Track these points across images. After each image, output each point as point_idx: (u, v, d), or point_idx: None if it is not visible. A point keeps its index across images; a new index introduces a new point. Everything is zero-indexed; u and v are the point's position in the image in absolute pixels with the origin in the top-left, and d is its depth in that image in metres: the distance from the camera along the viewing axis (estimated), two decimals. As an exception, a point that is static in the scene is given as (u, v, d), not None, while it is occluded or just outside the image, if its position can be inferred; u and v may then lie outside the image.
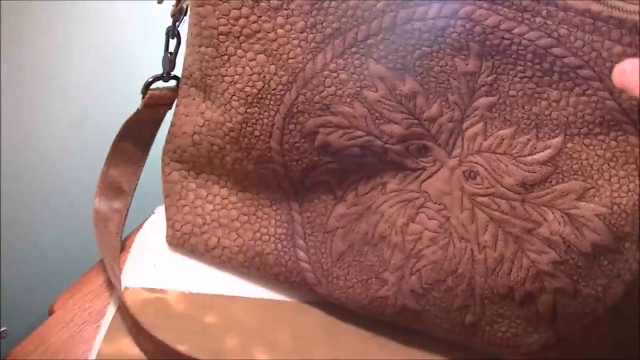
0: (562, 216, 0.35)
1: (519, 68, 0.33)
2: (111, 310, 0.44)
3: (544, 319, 0.38)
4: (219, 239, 0.45)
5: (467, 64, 0.34)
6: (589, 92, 0.33)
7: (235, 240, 0.44)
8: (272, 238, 0.43)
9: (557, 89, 0.33)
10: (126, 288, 0.45)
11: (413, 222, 0.39)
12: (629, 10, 0.30)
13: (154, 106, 0.44)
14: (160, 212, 0.49)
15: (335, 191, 0.40)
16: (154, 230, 0.49)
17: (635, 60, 0.29)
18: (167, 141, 0.44)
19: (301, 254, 0.42)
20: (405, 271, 0.40)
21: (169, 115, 0.45)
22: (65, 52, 0.55)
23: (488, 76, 0.34)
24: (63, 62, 0.55)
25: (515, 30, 0.32)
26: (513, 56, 0.33)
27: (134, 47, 0.58)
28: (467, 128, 0.36)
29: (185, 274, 0.46)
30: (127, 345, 0.42)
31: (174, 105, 0.44)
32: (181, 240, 0.46)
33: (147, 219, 0.50)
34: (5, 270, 0.54)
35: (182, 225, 0.46)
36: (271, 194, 0.42)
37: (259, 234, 0.43)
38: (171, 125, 0.44)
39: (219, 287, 0.45)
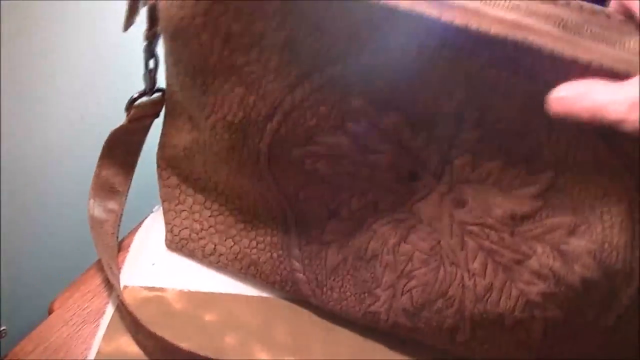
0: (552, 251, 0.34)
1: (506, 105, 0.31)
2: (110, 309, 0.44)
3: (536, 341, 0.38)
4: (215, 245, 0.45)
5: (451, 101, 0.32)
6: (580, 134, 0.31)
7: (231, 247, 0.44)
8: (268, 247, 0.43)
9: (547, 128, 0.32)
10: (125, 287, 0.45)
11: (404, 243, 0.38)
12: (619, 59, 0.27)
13: (140, 118, 0.44)
14: (158, 211, 0.49)
15: (329, 206, 0.39)
16: (152, 230, 0.49)
17: (571, 85, 0.28)
18: (161, 148, 0.44)
19: (296, 265, 0.42)
20: (396, 290, 0.40)
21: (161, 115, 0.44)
22: (64, 52, 0.55)
23: (474, 111, 0.32)
24: (62, 62, 0.55)
25: (501, 75, 0.30)
26: (499, 96, 0.31)
27: (133, 47, 0.58)
28: (455, 157, 0.34)
29: (184, 273, 0.46)
30: (127, 344, 0.42)
31: (163, 114, 0.43)
32: (179, 245, 0.46)
33: (145, 218, 0.50)
34: (4, 269, 0.54)
35: (180, 230, 0.46)
36: (267, 203, 0.41)
37: (255, 242, 0.43)
38: (162, 134, 0.43)
39: (218, 285, 0.46)
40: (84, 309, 0.45)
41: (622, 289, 0.34)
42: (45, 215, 0.58)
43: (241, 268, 0.45)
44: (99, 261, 0.47)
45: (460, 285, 0.37)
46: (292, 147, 0.36)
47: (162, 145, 0.43)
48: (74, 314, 0.44)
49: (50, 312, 0.45)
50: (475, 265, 0.37)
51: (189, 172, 0.44)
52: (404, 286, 0.39)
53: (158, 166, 0.45)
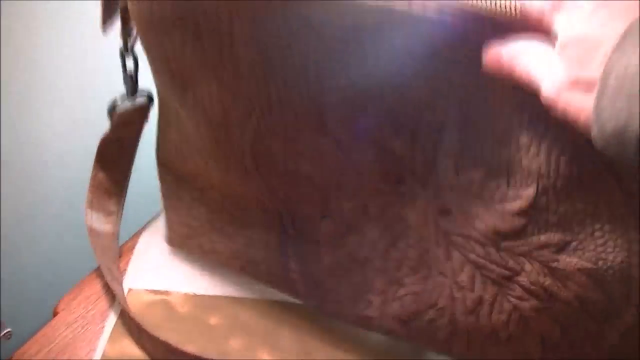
0: (542, 268, 0.33)
1: (488, 104, 0.30)
2: (115, 311, 0.44)
3: (534, 351, 0.36)
4: (213, 243, 0.45)
5: (434, 111, 0.32)
6: (563, 139, 0.29)
7: (228, 245, 0.44)
8: (264, 246, 0.42)
9: (528, 132, 0.30)
10: (130, 290, 0.45)
11: (394, 248, 0.37)
12: None
13: (127, 124, 0.44)
14: (163, 214, 0.49)
15: (321, 207, 0.38)
16: (157, 232, 0.49)
17: (508, 44, 0.26)
18: (158, 146, 0.44)
19: (292, 265, 0.42)
20: (388, 296, 0.39)
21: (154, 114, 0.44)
22: (64, 53, 0.54)
23: (456, 114, 0.31)
24: (62, 62, 0.55)
25: (481, 81, 0.29)
26: (480, 100, 0.30)
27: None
28: (439, 162, 0.33)
29: (189, 276, 0.46)
30: (132, 346, 0.42)
31: (158, 114, 0.43)
32: (179, 242, 0.46)
33: (150, 220, 0.50)
34: (9, 271, 0.54)
35: (179, 227, 0.46)
36: (262, 202, 0.40)
37: (251, 241, 0.43)
38: (158, 131, 0.43)
39: (223, 289, 0.46)
40: (88, 311, 0.45)
41: (622, 307, 0.33)
42: (49, 217, 0.58)
43: (238, 266, 0.44)
44: (104, 264, 0.47)
45: (450, 296, 0.36)
46: (273, 143, 0.36)
47: (159, 144, 0.44)
48: (78, 316, 0.44)
49: (55, 314, 0.45)
50: (463, 278, 0.35)
51: (184, 169, 0.43)
52: (396, 292, 0.38)
53: (158, 163, 0.45)
